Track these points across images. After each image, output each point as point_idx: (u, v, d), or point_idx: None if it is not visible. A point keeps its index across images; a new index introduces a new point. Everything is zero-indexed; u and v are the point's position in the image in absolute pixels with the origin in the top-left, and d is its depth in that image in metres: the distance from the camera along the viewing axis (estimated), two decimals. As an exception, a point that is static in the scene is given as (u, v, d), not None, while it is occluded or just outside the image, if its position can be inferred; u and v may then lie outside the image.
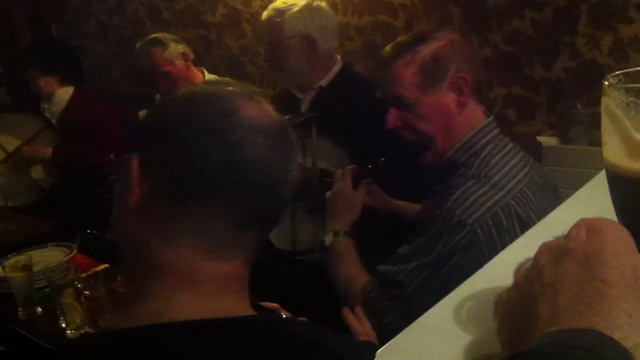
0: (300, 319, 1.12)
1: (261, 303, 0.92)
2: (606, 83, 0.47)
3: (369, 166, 1.81)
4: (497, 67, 2.73)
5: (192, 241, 0.78)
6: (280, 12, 2.31)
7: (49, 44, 3.75)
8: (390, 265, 1.49)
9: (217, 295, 0.78)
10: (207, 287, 0.78)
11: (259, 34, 2.44)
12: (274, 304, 1.22)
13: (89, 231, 1.95)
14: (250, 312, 0.81)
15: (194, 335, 0.71)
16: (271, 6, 2.38)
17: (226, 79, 0.91)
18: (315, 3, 2.37)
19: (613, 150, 0.47)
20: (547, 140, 2.64)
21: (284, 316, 1.12)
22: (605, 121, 0.48)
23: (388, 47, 1.56)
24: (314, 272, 1.96)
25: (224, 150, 0.77)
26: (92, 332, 1.79)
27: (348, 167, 1.84)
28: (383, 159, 1.80)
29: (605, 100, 0.47)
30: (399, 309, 1.45)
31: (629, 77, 0.49)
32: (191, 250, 0.78)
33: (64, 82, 3.39)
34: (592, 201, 0.65)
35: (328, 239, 1.71)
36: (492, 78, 2.74)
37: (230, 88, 0.84)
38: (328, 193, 1.81)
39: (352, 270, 1.63)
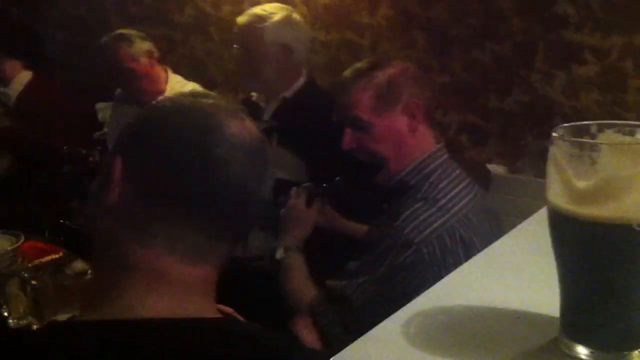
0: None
1: (217, 306, 0.95)
2: (554, 134, 0.53)
3: (324, 185, 1.87)
4: (454, 93, 2.83)
5: (166, 244, 0.81)
6: (261, 18, 2.35)
7: (12, 27, 3.67)
8: (338, 281, 1.54)
9: (186, 296, 0.81)
10: (177, 288, 0.81)
11: (237, 39, 2.44)
12: (228, 308, 1.25)
13: (61, 221, 1.94)
14: (216, 314, 0.85)
15: (161, 332, 0.74)
16: (249, 12, 2.41)
17: (212, 93, 0.93)
18: (293, 15, 2.42)
19: (555, 193, 0.53)
20: (496, 169, 2.75)
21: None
22: (550, 167, 0.54)
23: (347, 72, 1.65)
24: (264, 278, 1.99)
25: (204, 163, 0.81)
26: (60, 320, 1.77)
27: (303, 185, 1.90)
28: (337, 177, 1.86)
29: (552, 149, 0.53)
30: (344, 324, 1.51)
31: (575, 130, 0.55)
32: (164, 252, 0.81)
33: (27, 67, 3.35)
34: (536, 234, 0.71)
35: (279, 253, 1.76)
36: (449, 104, 2.84)
37: (216, 103, 0.87)
38: (282, 210, 1.86)
39: (300, 285, 1.68)
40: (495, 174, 2.72)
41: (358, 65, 1.66)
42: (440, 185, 1.56)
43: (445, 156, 1.63)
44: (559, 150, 0.53)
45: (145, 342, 0.74)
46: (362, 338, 0.63)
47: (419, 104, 1.59)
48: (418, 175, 1.59)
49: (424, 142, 1.62)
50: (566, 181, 0.52)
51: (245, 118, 0.87)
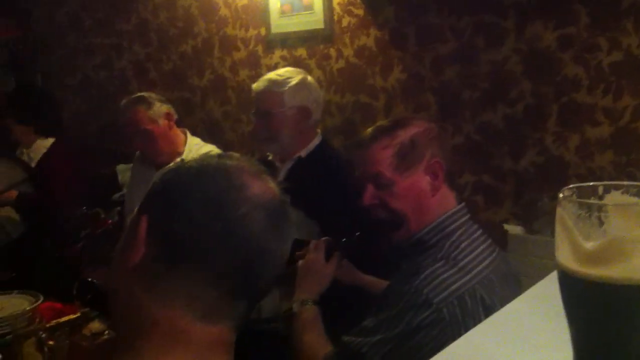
0: None
1: None
2: (561, 195, 0.54)
3: (343, 239, 1.86)
4: (468, 155, 2.85)
5: (185, 303, 0.82)
6: (278, 83, 2.42)
7: (28, 93, 3.76)
8: (354, 337, 1.52)
9: (204, 356, 0.82)
10: (195, 349, 0.81)
11: (255, 104, 2.50)
12: None
13: (89, 279, 1.95)
14: None
15: None
16: (266, 78, 2.47)
17: (236, 154, 0.95)
18: (308, 78, 2.49)
19: (563, 254, 0.54)
20: (513, 229, 2.74)
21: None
22: (558, 228, 0.55)
23: (369, 130, 1.66)
24: (276, 341, 1.98)
25: (225, 223, 0.83)
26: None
27: (322, 239, 1.89)
28: (358, 233, 1.85)
29: (559, 211, 0.54)
30: (359, 381, 1.48)
31: (581, 191, 0.56)
32: (183, 311, 0.81)
33: (38, 132, 3.42)
34: (550, 295, 0.71)
35: (295, 306, 1.74)
36: (463, 165, 2.86)
37: (240, 164, 0.90)
38: (300, 262, 1.85)
39: (316, 340, 1.65)
40: (513, 234, 2.71)
41: (380, 123, 1.67)
42: (462, 246, 1.55)
43: (467, 217, 1.63)
44: (565, 211, 0.53)
45: None
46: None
47: (441, 164, 1.60)
48: (439, 235, 1.58)
49: (445, 202, 1.62)
50: (573, 242, 0.53)
51: (267, 179, 0.90)
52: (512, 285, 1.60)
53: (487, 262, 1.54)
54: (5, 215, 3.31)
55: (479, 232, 1.61)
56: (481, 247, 1.57)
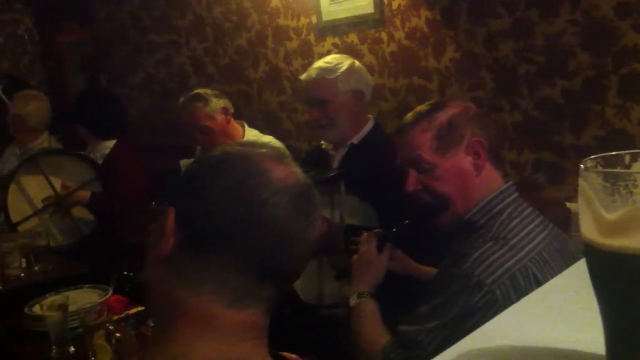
0: None
1: (281, 353, 0.96)
2: (582, 166, 0.53)
3: (393, 230, 1.86)
4: (527, 132, 2.78)
5: (214, 290, 0.84)
6: (330, 70, 2.45)
7: (92, 96, 3.90)
8: (409, 325, 1.52)
9: (235, 341, 0.83)
10: (226, 334, 0.83)
11: (307, 93, 2.53)
12: (294, 356, 1.27)
13: (125, 272, 2.04)
14: (268, 359, 0.86)
15: None
16: (315, 67, 2.50)
17: (259, 142, 0.97)
18: (356, 62, 2.51)
19: (586, 227, 0.53)
20: (576, 207, 2.65)
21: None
22: (580, 200, 0.53)
23: (408, 115, 1.65)
24: (336, 326, 2.00)
25: (248, 208, 0.84)
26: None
27: (373, 231, 1.90)
28: (406, 221, 1.85)
29: (580, 182, 0.53)
30: (418, 369, 1.48)
31: (606, 161, 0.54)
32: (212, 298, 0.84)
33: (103, 133, 3.55)
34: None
35: (352, 299, 1.75)
36: (523, 143, 2.79)
37: (262, 150, 0.91)
38: (354, 257, 1.86)
39: (373, 331, 1.66)
40: (576, 212, 2.63)
41: (419, 107, 1.67)
42: (511, 224, 1.52)
43: (515, 195, 1.60)
44: (586, 182, 0.52)
45: None
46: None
47: (482, 143, 1.57)
48: (487, 215, 1.56)
49: (491, 181, 1.59)
50: (596, 214, 0.51)
51: (290, 164, 0.91)
52: (568, 262, 1.56)
53: (538, 239, 1.51)
54: (78, 215, 3.44)
55: (528, 210, 1.58)
56: (532, 225, 1.54)
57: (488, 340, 0.69)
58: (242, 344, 0.84)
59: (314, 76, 2.47)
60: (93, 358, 1.86)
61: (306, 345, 1.72)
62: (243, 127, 3.16)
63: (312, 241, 0.89)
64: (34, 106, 3.71)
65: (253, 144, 0.93)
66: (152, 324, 1.63)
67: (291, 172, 0.89)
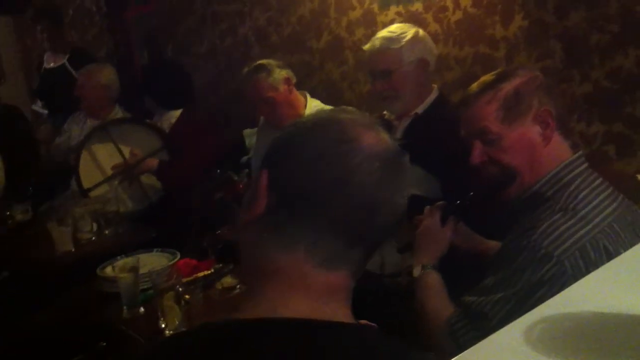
0: None
1: (360, 322, 0.98)
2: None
3: (457, 202, 1.84)
4: (598, 103, 2.70)
5: (304, 250, 0.87)
6: (394, 40, 2.42)
7: (160, 69, 3.98)
8: (475, 296, 1.51)
9: (323, 300, 0.87)
10: (316, 293, 0.87)
11: (370, 63, 2.51)
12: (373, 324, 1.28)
13: (217, 232, 2.14)
14: (352, 320, 0.89)
15: (301, 332, 0.80)
16: (379, 37, 2.46)
17: (349, 107, 1.00)
18: (420, 31, 2.48)
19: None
20: (647, 180, 2.58)
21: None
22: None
23: (473, 85, 1.63)
24: (398, 295, 2.01)
25: (340, 172, 0.87)
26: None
27: (437, 203, 1.87)
28: (471, 193, 1.83)
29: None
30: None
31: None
32: (303, 257, 0.87)
33: (169, 104, 3.63)
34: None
35: (416, 271, 1.76)
36: (593, 114, 2.72)
37: (352, 116, 0.93)
38: (418, 230, 1.85)
39: (438, 303, 1.66)
40: (646, 185, 2.56)
41: (484, 78, 1.64)
42: (580, 195, 1.49)
43: (585, 165, 1.56)
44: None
45: (287, 340, 0.79)
46: (481, 343, 0.64)
47: (551, 112, 1.54)
48: (555, 186, 1.53)
49: (560, 152, 1.56)
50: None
51: (380, 130, 0.92)
52: (640, 234, 1.53)
53: (609, 210, 1.48)
54: (147, 183, 3.54)
55: (598, 181, 1.54)
56: (602, 196, 1.51)
57: (565, 307, 0.69)
58: (330, 304, 0.87)
59: (377, 46, 2.45)
60: (162, 319, 1.93)
61: (368, 313, 1.74)
62: (305, 97, 3.17)
63: (403, 208, 0.91)
64: (106, 78, 3.80)
65: (344, 110, 0.95)
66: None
67: (381, 139, 0.91)
